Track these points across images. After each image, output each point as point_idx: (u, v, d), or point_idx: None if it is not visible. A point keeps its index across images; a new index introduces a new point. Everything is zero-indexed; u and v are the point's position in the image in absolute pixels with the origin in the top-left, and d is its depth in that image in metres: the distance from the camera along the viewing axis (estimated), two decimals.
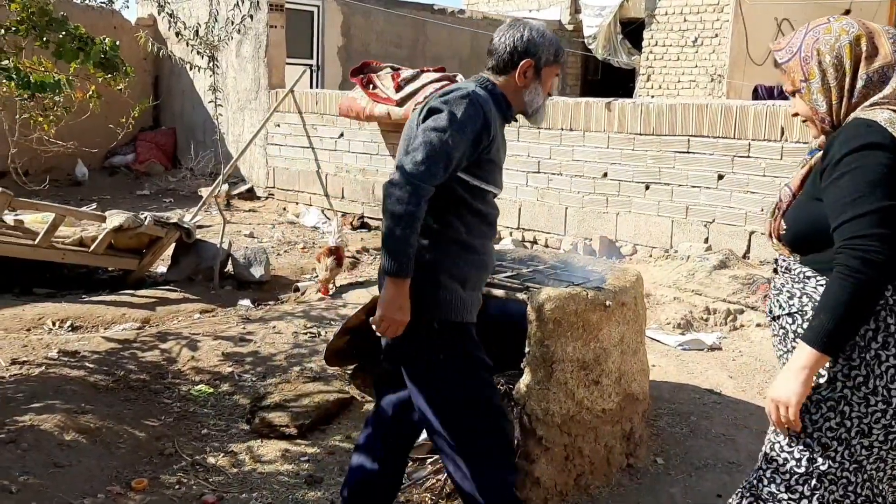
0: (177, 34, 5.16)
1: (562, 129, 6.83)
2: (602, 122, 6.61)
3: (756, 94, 11.85)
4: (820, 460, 1.90)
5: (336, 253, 5.96)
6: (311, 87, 11.05)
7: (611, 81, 14.87)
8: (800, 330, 1.92)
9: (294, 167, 9.29)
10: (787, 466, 1.96)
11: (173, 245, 6.14)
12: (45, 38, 3.42)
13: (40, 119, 4.22)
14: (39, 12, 3.34)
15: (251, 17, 5.85)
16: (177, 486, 3.06)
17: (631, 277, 3.30)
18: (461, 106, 2.23)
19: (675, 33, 12.84)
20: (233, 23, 5.90)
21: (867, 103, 1.85)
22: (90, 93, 4.09)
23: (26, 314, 5.03)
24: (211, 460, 3.29)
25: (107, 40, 3.58)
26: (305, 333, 4.83)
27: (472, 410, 2.39)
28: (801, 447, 1.93)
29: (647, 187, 6.43)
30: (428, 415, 2.41)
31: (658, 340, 4.86)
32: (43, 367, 4.03)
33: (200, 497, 2.98)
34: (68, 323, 5.01)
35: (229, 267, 6.21)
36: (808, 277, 1.92)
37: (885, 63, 1.85)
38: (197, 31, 5.43)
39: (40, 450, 3.08)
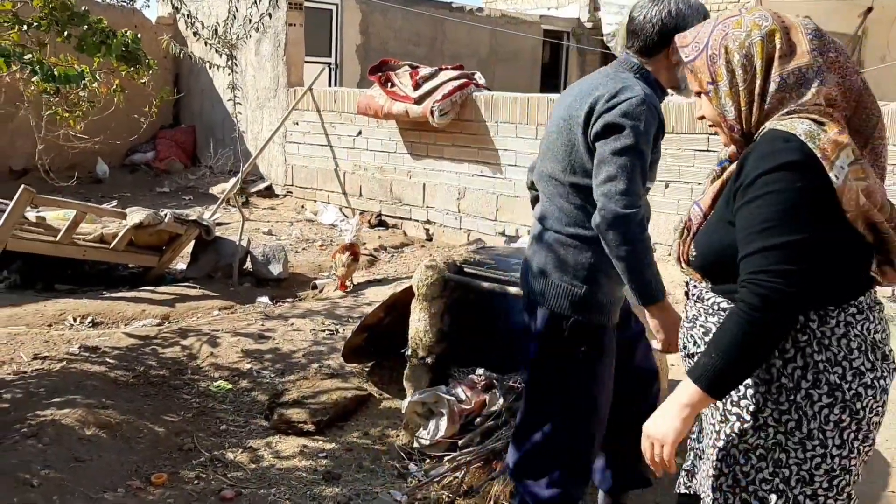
0: (194, 34, 5.19)
1: None
2: None
3: None
4: None
5: (351, 249, 5.98)
6: (330, 85, 11.08)
7: None
8: None
9: (312, 165, 9.31)
10: None
11: (193, 242, 6.18)
12: (66, 33, 3.45)
13: (66, 115, 4.25)
14: (61, 7, 3.36)
15: (269, 15, 5.87)
16: (196, 481, 3.07)
17: None
18: (641, 116, 2.14)
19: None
20: (251, 21, 5.93)
21: (784, 111, 1.60)
22: (114, 87, 4.12)
23: (48, 310, 5.07)
24: (230, 456, 3.31)
25: (128, 33, 3.60)
26: (324, 331, 4.84)
27: (591, 415, 2.38)
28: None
29: (667, 186, 6.39)
30: (538, 405, 2.39)
31: None
32: (64, 363, 4.07)
33: (219, 492, 3.00)
34: (89, 319, 5.05)
35: (248, 264, 6.24)
36: (724, 310, 1.71)
37: (801, 63, 1.60)
38: (215, 30, 5.47)
39: (61, 444, 3.11)
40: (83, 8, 3.58)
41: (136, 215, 5.68)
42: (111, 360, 4.17)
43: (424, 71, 7.83)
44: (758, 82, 1.62)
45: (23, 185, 5.15)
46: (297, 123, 9.38)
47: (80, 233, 5.68)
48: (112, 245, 5.68)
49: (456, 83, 7.44)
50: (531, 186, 2.61)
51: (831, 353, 1.62)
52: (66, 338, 4.52)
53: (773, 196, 1.55)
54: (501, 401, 3.30)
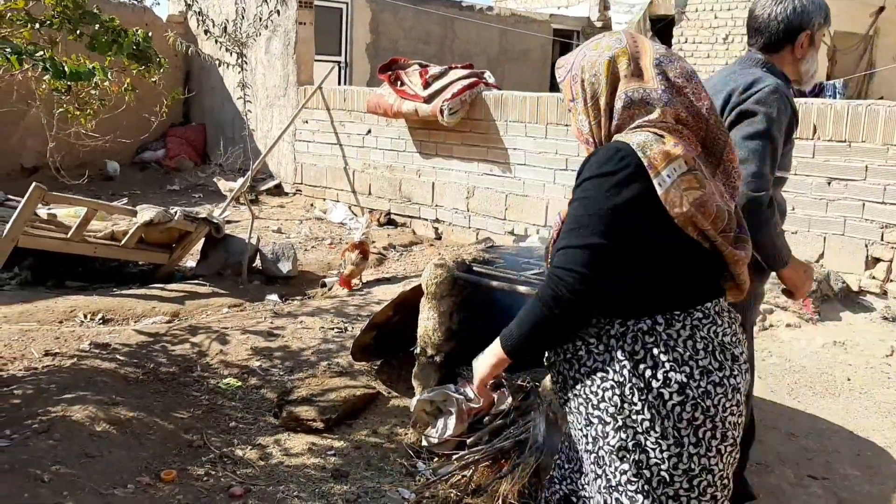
0: (205, 32, 5.20)
1: None
2: None
3: None
4: None
5: (361, 248, 5.99)
6: (340, 83, 11.09)
7: None
8: (577, 375, 1.80)
9: (322, 163, 9.33)
10: None
11: (202, 240, 6.20)
12: (78, 31, 3.46)
13: (77, 113, 4.27)
14: (73, 5, 3.38)
15: (278, 12, 5.88)
16: (205, 478, 3.09)
17: None
18: (774, 104, 2.19)
19: (705, 30, 12.71)
20: (260, 19, 5.94)
21: (633, 125, 1.71)
22: (125, 85, 4.14)
23: (59, 306, 5.10)
24: (239, 453, 3.32)
25: (139, 32, 3.62)
26: (333, 329, 4.85)
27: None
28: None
29: None
30: None
31: None
32: (75, 359, 4.08)
33: (228, 489, 3.01)
34: (100, 315, 5.08)
35: (257, 262, 6.26)
36: None
37: (647, 86, 1.71)
38: (225, 28, 5.48)
39: (72, 440, 3.13)
40: (94, 7, 3.60)
41: (146, 213, 5.70)
42: (121, 357, 4.19)
43: (434, 70, 7.84)
44: (604, 99, 1.74)
45: (34, 183, 5.18)
46: (307, 122, 9.39)
47: (91, 230, 5.70)
48: (122, 242, 5.70)
49: (465, 82, 7.44)
50: None
51: (678, 354, 1.70)
52: (77, 334, 4.55)
53: (587, 201, 1.67)
54: (510, 400, 3.30)
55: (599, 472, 1.80)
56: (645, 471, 1.73)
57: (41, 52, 3.09)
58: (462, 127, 7.56)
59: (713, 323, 1.74)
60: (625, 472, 1.74)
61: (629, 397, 1.72)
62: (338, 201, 9.10)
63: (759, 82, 2.24)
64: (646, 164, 1.63)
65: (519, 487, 2.88)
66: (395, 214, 8.40)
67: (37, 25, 3.50)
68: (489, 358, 1.88)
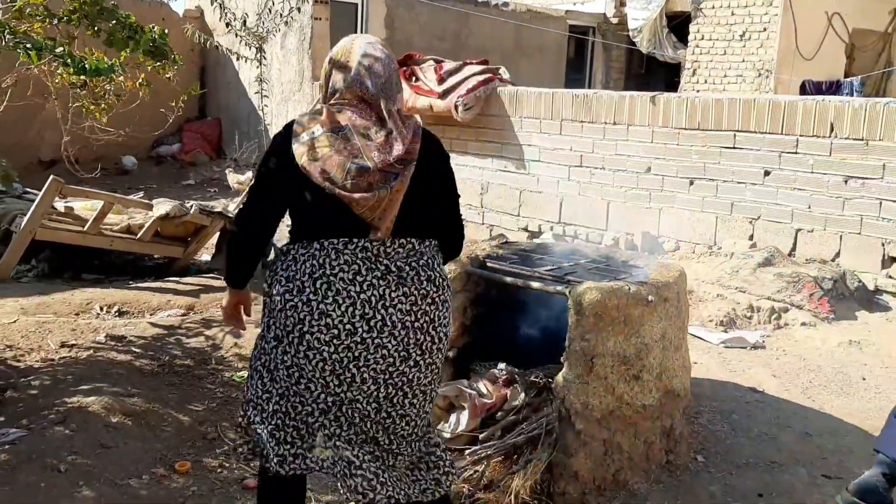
0: (226, 25, 5.22)
1: (605, 123, 6.78)
2: (646, 116, 6.54)
3: (803, 90, 11.61)
4: (249, 387, 2.33)
5: None
6: None
7: (656, 75, 14.70)
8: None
9: None
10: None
11: (218, 234, 6.23)
12: (96, 27, 3.49)
13: (92, 108, 4.30)
14: (91, 1, 3.40)
15: (298, 9, 5.90)
16: (219, 470, 3.11)
17: (674, 273, 3.27)
18: None
19: (722, 27, 12.62)
20: (281, 15, 5.96)
21: (329, 103, 2.24)
22: (140, 80, 4.17)
23: (75, 299, 5.14)
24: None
25: (156, 29, 3.64)
26: None
27: None
28: (248, 375, 2.38)
29: (692, 183, 6.36)
30: None
31: (700, 337, 4.81)
32: (91, 351, 4.12)
33: (242, 481, 3.03)
34: (115, 308, 5.11)
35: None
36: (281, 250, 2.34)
37: (343, 74, 2.24)
38: (245, 22, 5.50)
39: (88, 431, 3.16)
40: (112, 3, 3.62)
41: (162, 206, 5.74)
42: (137, 350, 4.22)
43: (449, 65, 7.84)
44: (325, 86, 2.30)
45: (52, 176, 5.22)
46: None
47: (108, 223, 5.74)
48: (138, 236, 5.74)
49: (480, 78, 7.44)
50: None
51: (290, 273, 2.23)
52: (93, 326, 4.58)
53: (263, 158, 2.30)
54: (523, 395, 3.30)
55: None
56: (263, 356, 2.29)
57: (61, 48, 3.11)
58: (476, 123, 7.56)
59: (327, 256, 2.18)
60: (255, 350, 2.34)
61: (265, 300, 2.30)
62: None
63: None
64: (294, 128, 2.19)
65: (531, 483, 2.88)
66: None
67: (55, 21, 3.53)
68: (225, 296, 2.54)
